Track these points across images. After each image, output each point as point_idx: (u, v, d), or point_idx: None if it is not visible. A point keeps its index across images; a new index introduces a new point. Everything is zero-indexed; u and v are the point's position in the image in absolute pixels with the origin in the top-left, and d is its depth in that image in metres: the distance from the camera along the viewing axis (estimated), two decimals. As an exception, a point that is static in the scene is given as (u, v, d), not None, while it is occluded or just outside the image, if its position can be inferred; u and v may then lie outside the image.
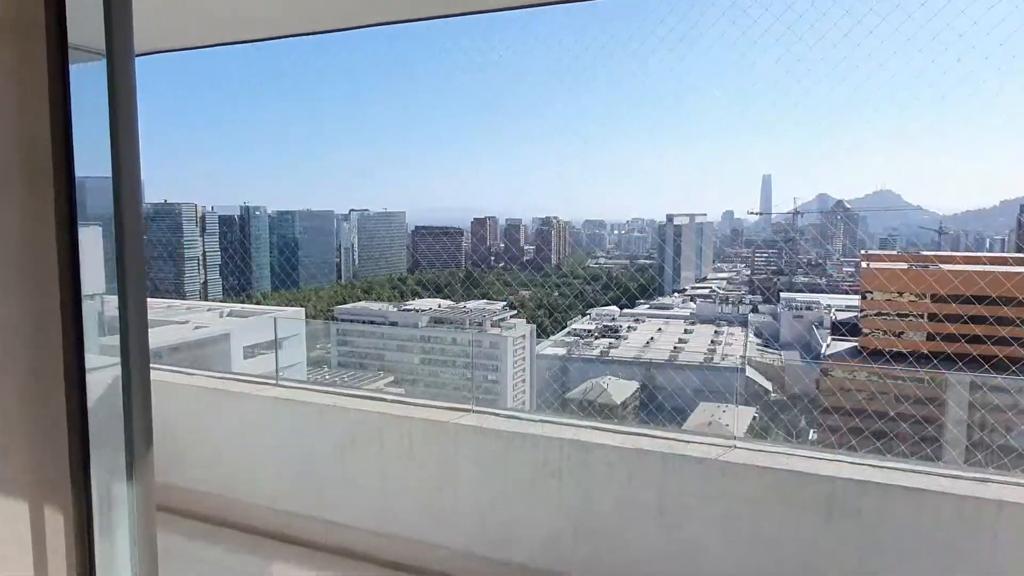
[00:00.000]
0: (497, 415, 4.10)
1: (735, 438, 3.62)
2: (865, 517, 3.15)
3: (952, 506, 3.02)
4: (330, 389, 4.57)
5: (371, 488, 4.22)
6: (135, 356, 2.08)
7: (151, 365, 4.83)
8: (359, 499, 4.25)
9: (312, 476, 4.36)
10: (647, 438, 3.72)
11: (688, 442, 3.65)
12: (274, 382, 4.65)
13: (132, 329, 2.05)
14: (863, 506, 3.15)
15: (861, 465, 3.32)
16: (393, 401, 4.33)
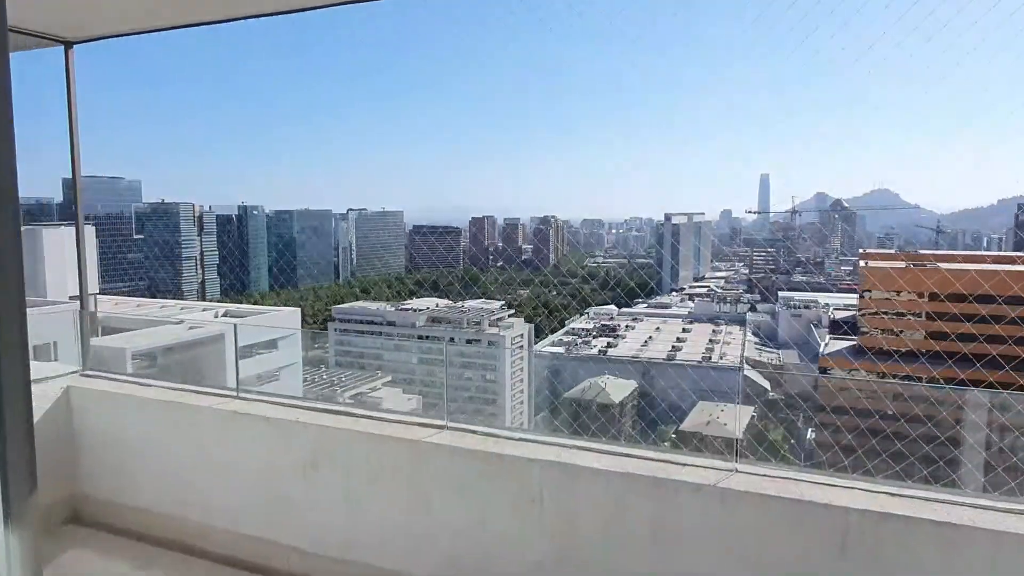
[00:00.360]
0: (475, 432, 3.75)
1: (736, 461, 3.26)
2: (886, 554, 2.79)
3: (988, 543, 2.66)
4: (293, 402, 4.22)
5: (336, 511, 3.88)
6: (9, 380, 1.70)
7: (110, 375, 4.39)
8: (323, 523, 3.90)
9: (273, 497, 4.01)
10: (637, 460, 3.39)
11: (683, 465, 3.31)
12: (234, 394, 4.29)
13: (4, 348, 1.67)
14: (883, 541, 2.79)
15: (879, 493, 2.97)
16: (361, 416, 3.97)
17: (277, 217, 62.97)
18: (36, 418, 3.89)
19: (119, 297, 33.86)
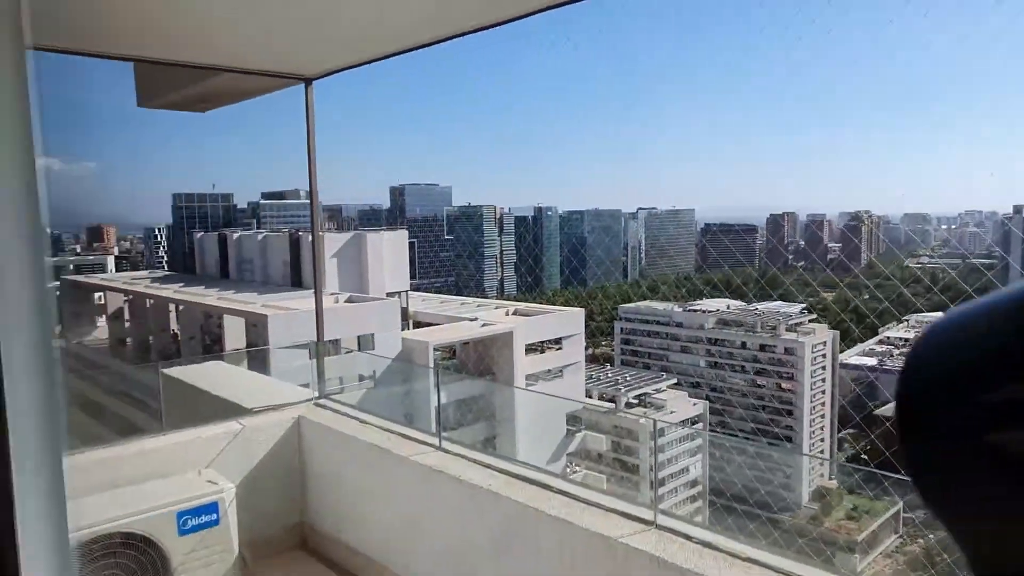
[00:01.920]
0: (688, 538, 2.82)
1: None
2: None
3: None
4: (490, 461, 3.73)
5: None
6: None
7: (336, 405, 4.22)
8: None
9: (468, 571, 3.58)
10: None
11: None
12: (436, 443, 3.99)
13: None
14: None
15: None
16: (556, 491, 3.31)
17: (569, 217, 65.49)
18: (270, 446, 3.75)
19: (425, 294, 37.84)
